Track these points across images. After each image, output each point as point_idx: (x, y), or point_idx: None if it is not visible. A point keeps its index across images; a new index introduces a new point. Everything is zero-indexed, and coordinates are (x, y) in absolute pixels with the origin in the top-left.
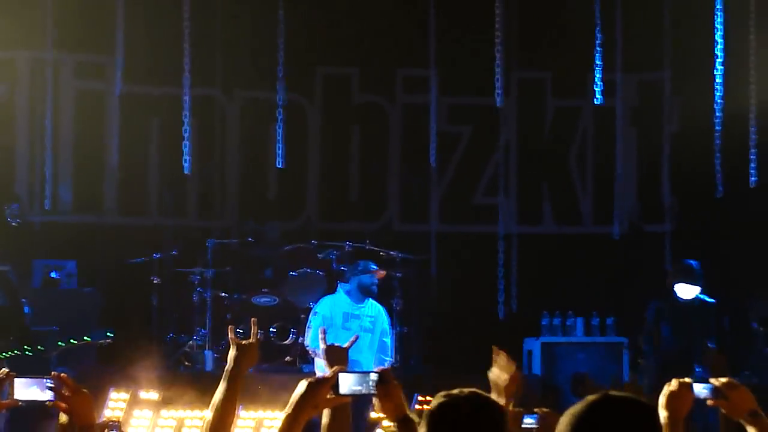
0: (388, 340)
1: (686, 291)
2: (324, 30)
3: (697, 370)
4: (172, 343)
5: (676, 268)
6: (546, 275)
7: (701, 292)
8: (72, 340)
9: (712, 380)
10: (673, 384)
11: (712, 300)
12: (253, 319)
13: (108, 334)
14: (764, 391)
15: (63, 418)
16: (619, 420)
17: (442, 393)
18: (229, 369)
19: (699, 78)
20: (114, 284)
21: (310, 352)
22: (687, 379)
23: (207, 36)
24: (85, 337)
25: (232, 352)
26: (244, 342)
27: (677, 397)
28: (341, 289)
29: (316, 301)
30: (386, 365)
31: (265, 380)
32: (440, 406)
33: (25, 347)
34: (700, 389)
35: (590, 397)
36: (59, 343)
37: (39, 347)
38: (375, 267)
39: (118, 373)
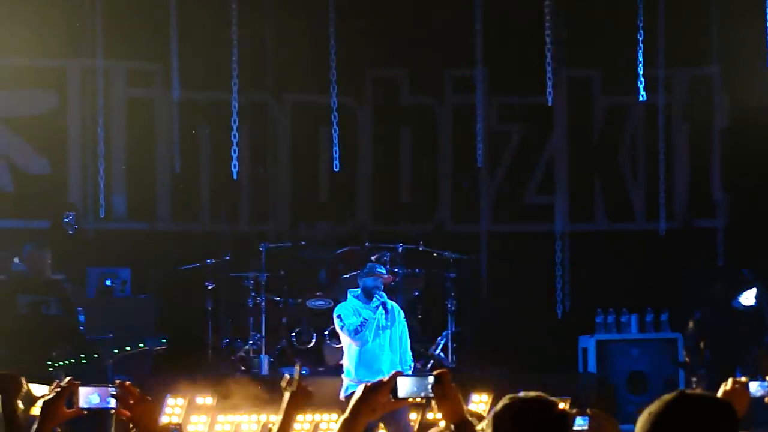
0: (406, 336)
1: (748, 299)
2: (373, 32)
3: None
4: (227, 348)
5: (729, 283)
6: (599, 273)
7: (757, 295)
8: (127, 348)
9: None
10: (729, 383)
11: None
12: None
13: (162, 340)
14: None
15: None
16: (698, 418)
17: (509, 395)
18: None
19: (749, 72)
20: (168, 291)
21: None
22: (743, 378)
23: (256, 41)
24: (140, 344)
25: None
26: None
27: (733, 395)
28: (350, 294)
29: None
30: (411, 367)
31: (320, 383)
32: (506, 407)
33: (81, 356)
34: (756, 387)
35: (667, 396)
36: (114, 350)
37: (95, 355)
38: (380, 270)
39: (175, 379)
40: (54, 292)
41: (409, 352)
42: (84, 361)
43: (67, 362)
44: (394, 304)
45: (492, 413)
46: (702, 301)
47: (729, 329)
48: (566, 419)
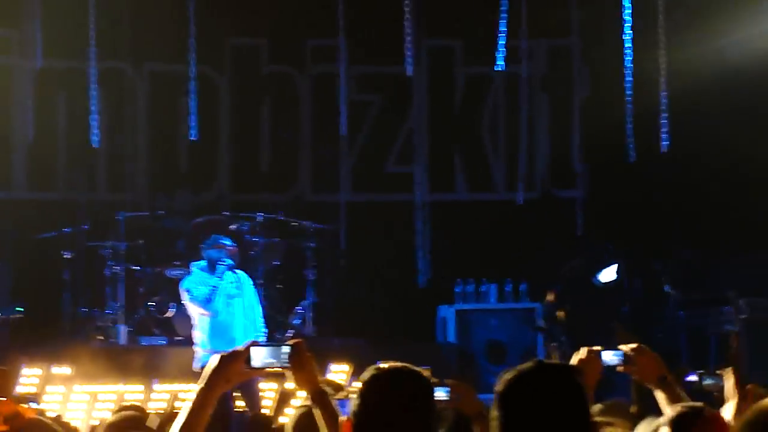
0: (257, 303)
1: (608, 275)
2: (233, 1)
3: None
4: (85, 317)
5: (590, 257)
6: (458, 243)
7: (618, 270)
8: None
9: (621, 346)
10: (582, 352)
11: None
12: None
13: (18, 309)
14: (677, 354)
15: None
16: (548, 385)
17: (373, 367)
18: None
19: (608, 43)
20: (24, 260)
21: (206, 300)
22: (596, 347)
23: (114, 8)
24: None
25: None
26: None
27: (586, 364)
28: (195, 267)
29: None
30: (264, 334)
31: (179, 353)
32: (372, 379)
33: None
34: (610, 356)
35: (523, 365)
36: None
37: None
38: (224, 241)
39: (31, 349)
40: None
41: (261, 319)
42: None
43: None
44: (242, 272)
45: (360, 386)
46: (562, 275)
47: (588, 301)
48: (432, 387)
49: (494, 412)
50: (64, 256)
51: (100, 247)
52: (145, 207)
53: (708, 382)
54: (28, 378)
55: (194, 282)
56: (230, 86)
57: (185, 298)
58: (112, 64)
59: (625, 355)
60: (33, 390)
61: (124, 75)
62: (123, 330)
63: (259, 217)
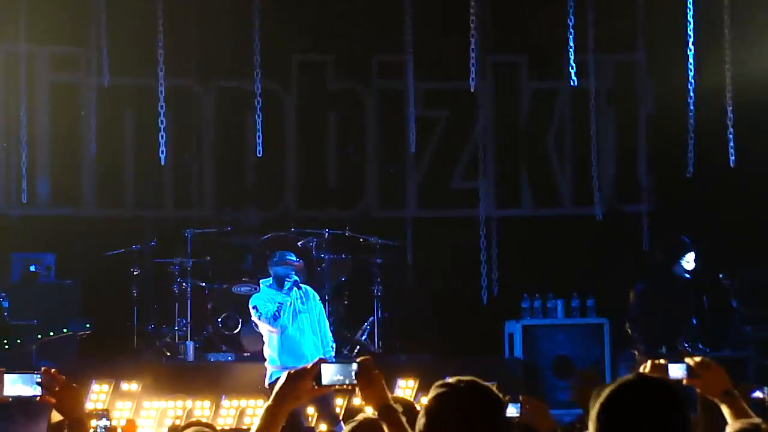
0: (324, 318)
1: (689, 263)
2: (298, 17)
3: (685, 344)
4: (153, 333)
5: (675, 245)
6: (525, 258)
7: (696, 259)
8: (51, 333)
9: (687, 359)
10: (648, 366)
11: (689, 276)
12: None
13: (86, 325)
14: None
15: (55, 416)
16: (651, 401)
17: (440, 382)
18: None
19: (673, 58)
20: (93, 276)
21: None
22: (661, 360)
23: (182, 26)
24: (64, 329)
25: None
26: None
27: None
28: (263, 284)
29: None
30: (332, 348)
31: (246, 369)
32: (439, 396)
33: (4, 341)
34: (675, 369)
35: (623, 378)
36: (38, 336)
37: (17, 340)
38: (290, 258)
39: (100, 365)
40: None
41: (329, 334)
42: (6, 347)
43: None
44: (308, 287)
45: (428, 399)
46: (641, 274)
47: (671, 298)
48: (501, 404)
49: (592, 425)
50: (133, 273)
51: (167, 263)
52: (212, 224)
53: None
54: (98, 394)
55: (262, 299)
56: (297, 102)
57: (253, 315)
58: (179, 81)
59: (690, 368)
60: (102, 406)
61: (191, 92)
62: (190, 346)
63: (326, 233)
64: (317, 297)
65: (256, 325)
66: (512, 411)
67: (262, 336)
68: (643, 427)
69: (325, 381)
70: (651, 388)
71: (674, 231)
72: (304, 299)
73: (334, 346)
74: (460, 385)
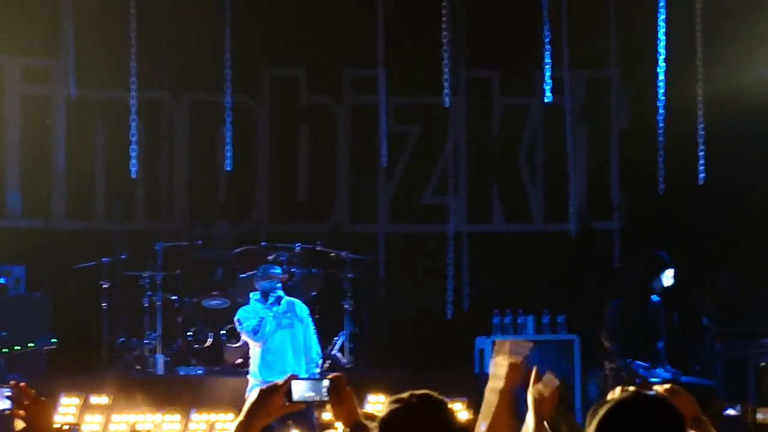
0: (311, 332)
1: (668, 279)
2: (270, 31)
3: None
4: (122, 346)
5: (653, 260)
6: (496, 274)
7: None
8: (16, 347)
9: (656, 387)
10: (617, 392)
11: (659, 295)
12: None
13: (52, 339)
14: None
15: (19, 425)
16: (648, 419)
17: (393, 398)
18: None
19: (645, 75)
20: (63, 289)
21: (253, 332)
22: (630, 387)
23: (154, 38)
24: (29, 343)
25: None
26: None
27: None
28: (252, 297)
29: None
30: (318, 364)
31: (216, 383)
32: (392, 412)
33: None
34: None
35: (619, 396)
36: (4, 350)
37: None
38: (275, 272)
39: (69, 378)
40: None
41: (317, 348)
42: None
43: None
44: (297, 301)
45: (380, 418)
46: (615, 290)
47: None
48: (452, 415)
49: None
50: (102, 286)
51: (137, 276)
52: (183, 237)
53: (761, 416)
54: (67, 407)
55: (246, 312)
56: (268, 116)
57: (237, 327)
58: (150, 94)
59: (657, 394)
60: (71, 420)
61: (163, 104)
62: (160, 359)
63: (297, 247)
64: (306, 310)
65: (235, 335)
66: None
67: (240, 348)
68: None
69: (295, 397)
70: (650, 405)
71: (652, 247)
72: (290, 313)
73: (321, 362)
74: (412, 400)
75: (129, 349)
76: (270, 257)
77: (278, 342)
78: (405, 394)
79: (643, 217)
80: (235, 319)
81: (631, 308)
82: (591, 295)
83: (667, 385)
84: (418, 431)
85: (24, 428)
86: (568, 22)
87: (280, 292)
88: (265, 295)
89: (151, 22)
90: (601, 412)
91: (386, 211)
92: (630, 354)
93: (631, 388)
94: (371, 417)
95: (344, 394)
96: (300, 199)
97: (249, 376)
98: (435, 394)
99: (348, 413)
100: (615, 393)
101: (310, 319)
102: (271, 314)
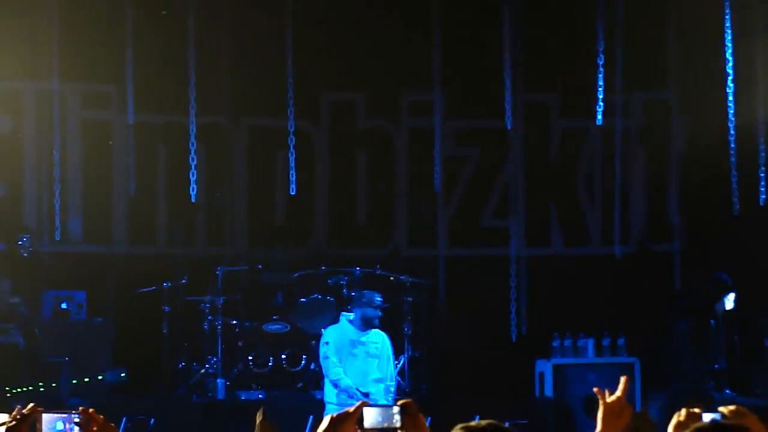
0: (391, 366)
1: (729, 302)
2: (329, 55)
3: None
4: (183, 371)
5: (715, 283)
6: (556, 297)
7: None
8: (86, 379)
9: (721, 408)
10: (683, 414)
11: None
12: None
13: (122, 374)
14: None
15: None
16: None
17: (462, 425)
18: None
19: (706, 96)
20: (124, 314)
21: (332, 384)
22: (696, 409)
23: (213, 64)
24: (99, 377)
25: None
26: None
27: (686, 427)
28: (344, 318)
29: (326, 327)
30: (391, 387)
31: (278, 407)
32: None
33: (39, 384)
34: (710, 419)
35: (699, 424)
36: (73, 380)
37: (53, 384)
38: (379, 301)
39: (131, 402)
40: (13, 318)
41: (394, 378)
42: (42, 390)
43: (24, 389)
44: (385, 335)
45: None
46: (678, 312)
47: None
48: None
49: None
50: (164, 311)
51: (198, 301)
52: (243, 261)
53: None
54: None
55: (337, 334)
56: (327, 140)
57: (321, 348)
58: (210, 119)
59: (723, 416)
60: None
61: (223, 129)
62: (221, 384)
63: (357, 271)
64: (390, 345)
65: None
66: None
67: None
68: None
69: (367, 424)
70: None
71: (713, 270)
72: (379, 345)
73: (394, 393)
74: (479, 427)
75: (190, 373)
76: (330, 281)
77: (360, 369)
78: (473, 423)
79: (703, 239)
80: (323, 341)
81: (694, 330)
82: (651, 317)
83: (732, 407)
84: None
85: None
86: (625, 44)
87: (377, 322)
88: (365, 321)
89: (209, 48)
90: None
91: (445, 234)
92: (693, 376)
93: (697, 410)
94: None
95: (416, 419)
96: (359, 223)
97: (325, 399)
98: (501, 424)
99: None
100: (681, 416)
101: (391, 351)
102: (365, 340)
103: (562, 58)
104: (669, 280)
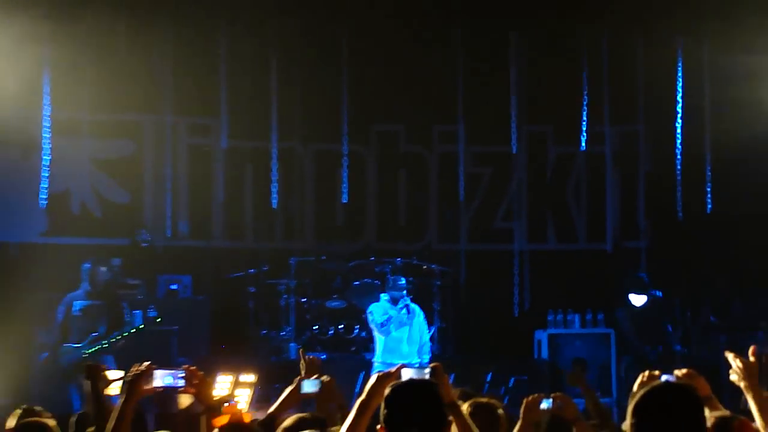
0: (425, 329)
1: (637, 300)
2: (377, 94)
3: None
4: (264, 337)
5: (629, 281)
6: (550, 282)
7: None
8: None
9: (676, 371)
10: (645, 374)
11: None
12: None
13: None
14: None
15: (184, 399)
16: (673, 400)
17: (648, 386)
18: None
19: (665, 129)
20: (219, 293)
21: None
22: (655, 372)
23: (289, 100)
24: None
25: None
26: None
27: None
28: (382, 297)
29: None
30: (428, 352)
31: (335, 366)
32: (647, 394)
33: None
34: (665, 380)
35: (653, 383)
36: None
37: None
38: (402, 283)
39: (224, 361)
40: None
41: (428, 344)
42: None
43: (124, 334)
44: (416, 306)
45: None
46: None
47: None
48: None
49: (629, 420)
50: (249, 291)
51: (276, 284)
52: (311, 253)
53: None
54: (222, 384)
55: (378, 308)
56: (375, 161)
57: (368, 318)
58: (286, 144)
59: (677, 378)
60: (226, 393)
61: (295, 152)
62: (293, 347)
63: (398, 261)
64: (422, 314)
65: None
66: (545, 405)
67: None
68: (668, 424)
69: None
70: (677, 391)
71: (671, 261)
72: (409, 315)
73: (431, 355)
74: (660, 385)
75: (269, 339)
76: (377, 269)
77: (397, 335)
78: (657, 382)
79: (665, 239)
80: (368, 311)
81: (630, 316)
82: (623, 298)
83: (684, 370)
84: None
85: (192, 403)
86: (608, 87)
87: (407, 300)
88: (394, 301)
89: (286, 87)
90: (638, 396)
91: (465, 233)
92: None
93: (656, 372)
94: (467, 394)
95: (442, 378)
96: (400, 225)
97: (373, 359)
98: (491, 403)
99: (445, 394)
100: (645, 376)
101: (425, 321)
102: (398, 315)
103: (555, 98)
104: (637, 269)
